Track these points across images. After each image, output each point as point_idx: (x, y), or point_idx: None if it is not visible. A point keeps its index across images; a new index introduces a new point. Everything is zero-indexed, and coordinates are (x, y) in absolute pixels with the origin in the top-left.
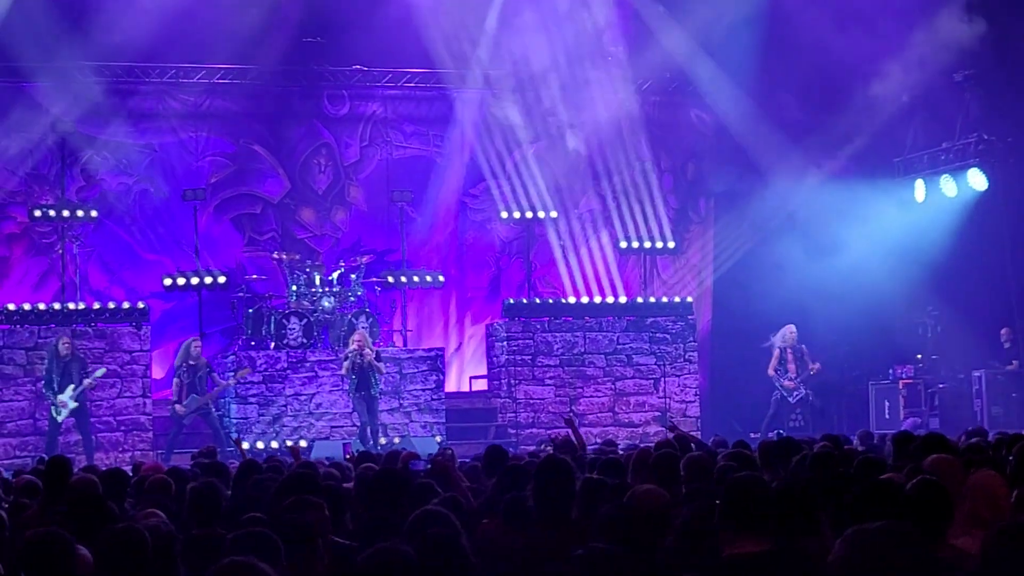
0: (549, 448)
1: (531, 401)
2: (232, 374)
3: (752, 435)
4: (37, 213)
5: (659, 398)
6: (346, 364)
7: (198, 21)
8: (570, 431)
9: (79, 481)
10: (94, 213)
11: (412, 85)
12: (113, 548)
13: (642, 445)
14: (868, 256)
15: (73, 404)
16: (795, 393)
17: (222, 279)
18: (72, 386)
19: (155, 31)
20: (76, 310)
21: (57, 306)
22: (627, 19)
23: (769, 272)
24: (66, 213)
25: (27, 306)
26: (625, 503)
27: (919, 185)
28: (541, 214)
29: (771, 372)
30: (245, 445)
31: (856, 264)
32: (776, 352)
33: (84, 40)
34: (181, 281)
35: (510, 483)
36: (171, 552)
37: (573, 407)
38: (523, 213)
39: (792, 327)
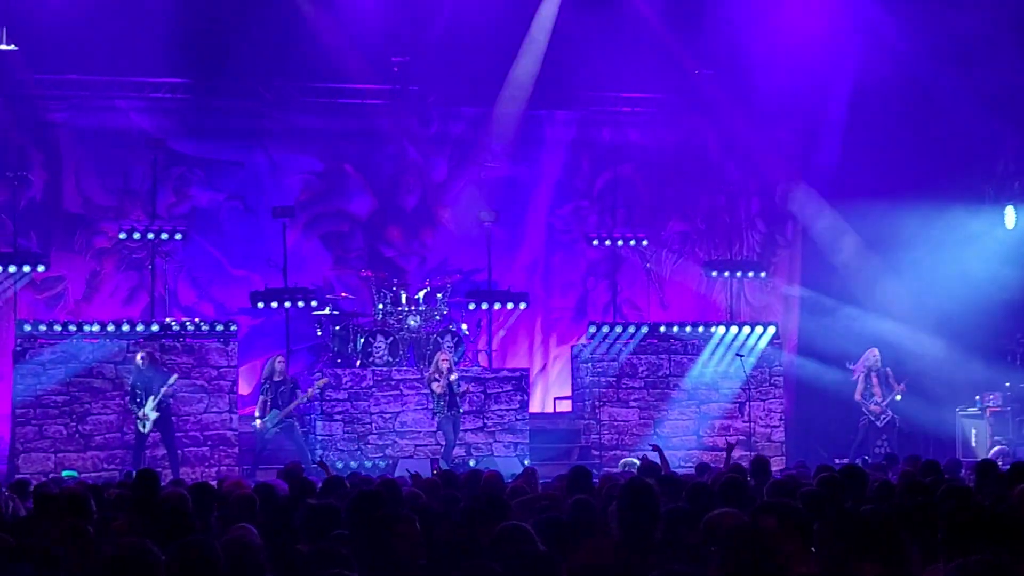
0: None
1: (615, 423)
2: (316, 381)
3: (837, 460)
4: (122, 236)
5: (744, 422)
6: (439, 385)
7: (288, 40)
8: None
9: (170, 495)
10: (179, 236)
11: (500, 106)
12: (182, 560)
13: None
14: (957, 282)
15: (154, 414)
16: (882, 417)
17: (315, 303)
18: (152, 397)
19: (241, 49)
20: (165, 325)
21: (141, 328)
22: (717, 42)
23: (855, 296)
24: (151, 236)
25: (111, 326)
26: (702, 526)
27: (1010, 211)
28: (632, 243)
29: (858, 398)
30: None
31: (944, 290)
32: (861, 377)
33: (175, 57)
34: (273, 301)
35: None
36: (257, 565)
37: (657, 430)
38: (614, 241)
39: (875, 350)
